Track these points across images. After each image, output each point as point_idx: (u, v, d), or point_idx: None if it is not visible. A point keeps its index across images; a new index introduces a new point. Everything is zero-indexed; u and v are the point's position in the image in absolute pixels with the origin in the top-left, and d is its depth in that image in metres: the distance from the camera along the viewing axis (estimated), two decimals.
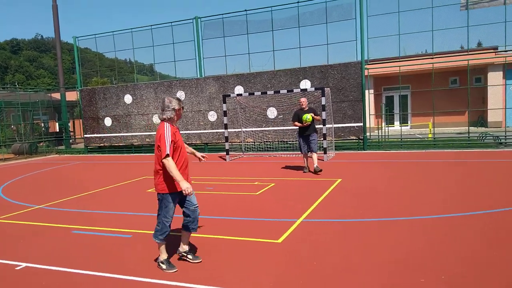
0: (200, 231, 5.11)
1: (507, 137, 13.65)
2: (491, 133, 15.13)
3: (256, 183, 8.82)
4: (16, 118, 23.96)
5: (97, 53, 20.62)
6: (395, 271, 3.78)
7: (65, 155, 19.35)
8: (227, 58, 16.11)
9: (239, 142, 15.52)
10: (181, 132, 16.38)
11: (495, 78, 20.92)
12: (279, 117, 14.92)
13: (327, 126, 12.08)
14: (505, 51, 13.81)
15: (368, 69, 14.17)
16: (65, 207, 7.41)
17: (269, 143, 15.26)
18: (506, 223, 5.04)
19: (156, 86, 17.01)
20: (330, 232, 5.10)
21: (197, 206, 4.23)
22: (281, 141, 15.13)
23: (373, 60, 14.90)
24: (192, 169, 4.29)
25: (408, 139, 15.85)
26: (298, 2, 14.65)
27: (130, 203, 7.58)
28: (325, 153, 11.96)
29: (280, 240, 4.86)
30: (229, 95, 13.67)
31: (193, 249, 4.53)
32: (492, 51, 20.19)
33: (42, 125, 25.74)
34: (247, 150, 15.34)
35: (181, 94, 16.44)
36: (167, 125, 3.98)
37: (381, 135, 16.14)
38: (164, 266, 4.10)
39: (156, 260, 4.26)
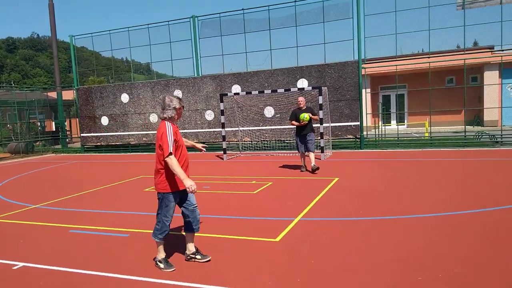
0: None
1: (503, 136, 13.72)
2: (487, 132, 15.21)
3: (253, 182, 8.83)
4: (12, 117, 23.86)
5: (94, 52, 20.54)
6: (393, 270, 3.80)
7: (62, 154, 19.28)
8: (224, 57, 16.12)
9: (236, 141, 15.52)
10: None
11: (491, 78, 21.02)
12: (276, 116, 14.93)
13: (324, 125, 12.10)
14: (501, 50, 13.86)
15: (365, 68, 14.20)
16: (62, 207, 7.39)
17: (266, 142, 15.28)
18: (505, 222, 5.07)
19: (153, 85, 16.98)
20: (328, 231, 5.11)
21: (196, 206, 4.23)
22: (278, 140, 15.15)
23: (370, 59, 14.93)
24: (189, 168, 4.28)
25: (405, 138, 15.91)
26: (295, 1, 14.65)
27: (127, 202, 7.57)
28: (322, 152, 11.99)
29: (278, 239, 4.87)
30: (226, 94, 13.67)
31: (199, 249, 4.47)
32: (488, 50, 20.28)
33: (39, 124, 25.63)
34: (244, 149, 15.34)
35: (178, 93, 16.41)
36: (168, 124, 3.98)
37: (378, 134, 16.18)
38: (161, 265, 4.10)
39: (154, 259, 4.26)
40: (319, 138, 11.83)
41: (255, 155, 14.05)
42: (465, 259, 3.96)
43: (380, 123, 18.94)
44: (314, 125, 9.79)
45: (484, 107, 20.57)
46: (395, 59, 14.56)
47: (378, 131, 16.47)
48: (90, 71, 28.03)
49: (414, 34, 14.14)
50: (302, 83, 14.51)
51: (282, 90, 13.04)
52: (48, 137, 22.69)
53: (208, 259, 4.24)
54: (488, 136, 14.44)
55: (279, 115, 14.88)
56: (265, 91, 13.06)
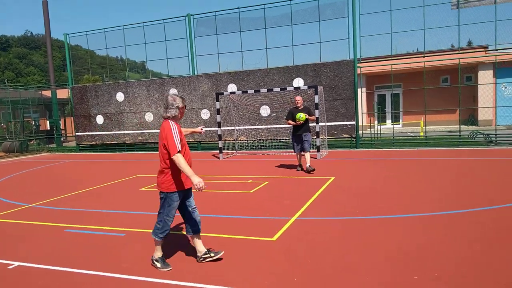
0: None
1: (497, 135, 13.82)
2: (481, 132, 15.31)
3: (249, 181, 8.83)
4: (6, 116, 23.68)
5: (88, 50, 20.44)
6: (389, 269, 3.81)
7: (56, 153, 19.17)
8: (220, 56, 16.09)
9: (232, 140, 15.51)
10: None
11: (485, 77, 21.16)
12: (272, 115, 14.94)
13: (320, 124, 12.12)
14: (496, 50, 13.95)
15: (360, 67, 14.24)
16: (57, 206, 7.35)
17: (262, 141, 15.27)
18: (501, 221, 5.11)
19: (148, 84, 16.92)
20: (324, 230, 5.13)
21: (196, 208, 4.23)
22: (274, 139, 15.15)
23: (365, 58, 14.97)
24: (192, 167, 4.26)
25: (400, 137, 15.98)
26: (291, 0, 14.65)
27: (122, 201, 7.54)
28: (318, 151, 12.01)
29: (274, 238, 4.87)
30: (222, 93, 13.64)
31: (211, 248, 4.39)
32: (482, 50, 20.41)
33: (33, 123, 25.46)
34: (240, 148, 15.33)
35: (173, 92, 16.36)
36: (172, 123, 3.97)
37: (374, 133, 16.23)
38: (158, 265, 4.09)
39: (151, 259, 4.23)
40: (315, 137, 11.85)
41: (251, 154, 14.05)
42: (461, 258, 3.98)
43: (375, 122, 19.02)
44: (310, 124, 9.79)
45: (479, 106, 20.70)
46: (390, 58, 14.61)
47: (374, 130, 16.52)
48: (84, 70, 27.88)
49: (409, 33, 14.22)
50: (298, 82, 14.52)
51: (278, 89, 13.05)
52: (43, 136, 22.54)
53: (222, 253, 4.21)
54: (482, 136, 14.54)
55: (275, 114, 14.88)
56: (261, 90, 13.05)
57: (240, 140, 15.46)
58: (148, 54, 17.41)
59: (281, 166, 10.84)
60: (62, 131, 24.61)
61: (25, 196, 8.52)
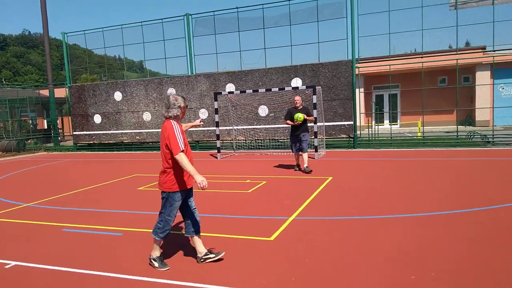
0: None
1: (494, 136, 13.86)
2: (478, 132, 15.35)
3: (247, 181, 8.82)
4: (4, 115, 23.58)
5: (86, 50, 20.38)
6: (386, 269, 3.82)
7: (54, 152, 19.12)
8: (218, 56, 16.08)
9: (230, 140, 15.50)
10: None
11: (483, 78, 21.22)
12: (270, 115, 14.94)
13: (318, 124, 12.13)
14: (493, 50, 13.99)
15: (358, 67, 14.25)
16: (54, 205, 7.33)
17: (260, 141, 15.27)
18: (503, 221, 5.12)
19: (146, 83, 16.89)
20: (322, 230, 5.13)
21: (195, 209, 4.23)
22: (272, 139, 15.15)
23: (363, 58, 14.99)
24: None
25: (398, 138, 16.00)
26: (289, 0, 14.66)
27: (120, 201, 7.52)
28: (316, 151, 12.02)
29: (272, 238, 4.87)
30: (221, 93, 13.64)
31: (211, 249, 4.39)
32: (480, 50, 20.47)
33: (30, 122, 25.39)
34: (238, 148, 15.33)
35: (171, 92, 16.35)
36: (174, 123, 3.97)
37: (371, 134, 16.26)
38: (156, 264, 4.09)
39: (149, 257, 4.21)
40: (313, 137, 11.85)
41: (249, 154, 14.05)
42: (461, 258, 3.99)
43: (373, 122, 19.04)
44: (308, 125, 9.78)
45: (476, 107, 20.75)
46: (388, 59, 14.64)
47: (371, 130, 16.55)
48: (82, 69, 27.83)
49: (407, 34, 14.23)
50: (296, 82, 14.53)
51: (276, 89, 13.05)
52: (40, 135, 22.48)
53: (222, 254, 4.20)
54: (479, 136, 14.58)
55: (273, 114, 14.88)
56: (259, 90, 13.06)
57: (238, 140, 15.45)
58: (146, 54, 17.39)
59: (279, 166, 10.84)
60: (60, 130, 24.54)
61: (22, 195, 8.50)
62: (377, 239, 4.63)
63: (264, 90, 13.05)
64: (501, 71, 20.40)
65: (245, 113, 15.20)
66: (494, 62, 15.59)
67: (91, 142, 18.32)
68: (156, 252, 4.14)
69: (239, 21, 15.48)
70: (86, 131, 18.26)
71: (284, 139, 14.78)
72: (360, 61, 14.44)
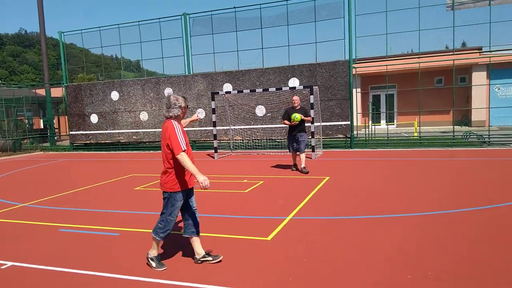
0: None
1: (490, 136, 13.92)
2: (474, 132, 15.42)
3: (244, 181, 8.83)
4: (0, 114, 23.48)
5: (83, 49, 20.33)
6: (383, 268, 3.83)
7: (50, 152, 19.05)
8: (216, 55, 16.08)
9: (227, 140, 15.50)
10: None
11: (479, 78, 21.32)
12: (268, 115, 14.95)
13: (315, 124, 12.15)
14: (489, 51, 14.06)
15: (355, 68, 14.29)
16: (51, 205, 7.31)
17: (257, 141, 15.28)
18: (503, 220, 5.15)
19: (143, 83, 16.86)
20: (320, 230, 5.14)
21: (196, 209, 4.23)
22: (269, 139, 15.16)
23: (360, 59, 15.02)
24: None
25: (394, 138, 16.05)
26: (287, 0, 14.67)
27: (117, 201, 7.51)
28: (313, 151, 12.03)
29: (269, 238, 4.88)
30: (218, 93, 13.63)
31: (209, 251, 4.36)
32: (476, 51, 20.57)
33: (26, 122, 25.28)
34: (236, 148, 15.33)
35: (169, 91, 16.33)
36: (175, 123, 3.97)
37: (368, 134, 16.30)
38: (153, 264, 4.08)
39: (147, 256, 4.19)
40: (310, 137, 11.87)
41: (246, 154, 14.05)
42: (459, 258, 4.01)
43: (369, 122, 19.09)
44: (305, 124, 9.77)
45: (472, 107, 20.85)
46: (385, 59, 14.68)
47: (368, 130, 16.58)
48: (79, 68, 27.75)
49: (404, 34, 14.29)
50: (294, 82, 14.55)
51: (274, 89, 13.06)
52: (36, 135, 22.39)
53: (220, 258, 4.18)
54: (476, 136, 14.65)
55: (270, 114, 14.89)
56: (257, 90, 13.06)
57: (235, 139, 15.46)
58: (143, 53, 17.37)
59: (276, 166, 10.85)
60: (56, 130, 24.46)
61: (18, 195, 8.46)
62: (375, 239, 4.65)
63: (261, 90, 13.06)
64: (497, 71, 20.53)
65: (243, 113, 15.20)
66: (490, 62, 15.67)
67: (88, 142, 18.26)
68: (154, 252, 4.14)
69: (236, 21, 15.48)
70: (82, 130, 18.20)
71: (281, 139, 14.79)
72: (357, 61, 14.47)
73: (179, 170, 3.97)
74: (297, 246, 4.57)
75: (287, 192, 7.52)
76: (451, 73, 15.22)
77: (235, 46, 15.64)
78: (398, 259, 4.02)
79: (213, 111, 13.40)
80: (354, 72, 14.24)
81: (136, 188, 8.58)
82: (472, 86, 20.79)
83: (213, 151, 13.47)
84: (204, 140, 16.19)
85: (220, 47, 16.00)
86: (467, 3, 13.56)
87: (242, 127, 15.25)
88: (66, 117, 19.78)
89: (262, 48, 15.35)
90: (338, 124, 14.22)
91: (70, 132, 18.57)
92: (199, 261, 4.17)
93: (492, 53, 14.21)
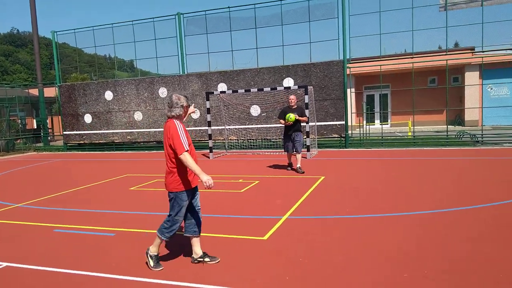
0: None
1: (483, 135, 14.05)
2: (468, 132, 15.55)
3: (240, 180, 8.83)
4: None
5: (76, 49, 20.20)
6: (380, 268, 3.85)
7: (44, 152, 18.91)
8: (210, 55, 16.06)
9: (222, 139, 15.48)
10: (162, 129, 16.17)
11: (471, 78, 21.51)
12: (263, 115, 14.96)
13: (310, 124, 12.18)
14: (482, 51, 14.19)
15: (350, 67, 14.34)
16: (45, 206, 7.26)
17: (252, 140, 15.28)
18: (503, 219, 5.20)
19: (137, 83, 16.79)
20: (316, 229, 5.16)
21: (200, 208, 4.23)
22: (264, 139, 15.17)
23: (354, 59, 15.09)
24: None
25: (389, 137, 16.14)
26: (281, 0, 14.69)
27: (112, 201, 7.48)
28: (308, 151, 12.06)
29: (265, 237, 4.89)
30: (212, 92, 13.62)
31: (207, 251, 4.34)
32: (469, 51, 20.74)
33: (19, 122, 25.07)
34: (231, 148, 15.32)
35: (163, 91, 16.29)
36: (177, 123, 3.96)
37: (362, 133, 16.37)
38: (151, 262, 4.06)
39: (146, 252, 4.14)
40: (305, 137, 11.89)
41: (241, 154, 14.05)
42: (452, 255, 4.04)
43: (364, 122, 19.18)
44: (301, 124, 9.77)
45: (465, 107, 21.02)
46: (379, 59, 14.76)
47: (363, 130, 16.66)
48: (72, 68, 27.55)
49: (397, 34, 14.38)
50: (288, 82, 14.57)
51: (269, 89, 13.07)
52: (29, 135, 22.21)
53: (217, 260, 4.17)
54: (469, 136, 14.78)
55: (265, 113, 14.90)
56: (251, 90, 13.07)
57: (230, 139, 15.45)
58: (137, 53, 17.32)
59: (272, 165, 10.86)
60: (50, 130, 24.28)
61: (12, 196, 8.40)
62: (374, 238, 4.67)
63: (256, 89, 13.06)
64: (490, 71, 20.72)
65: (237, 112, 15.20)
66: (483, 62, 15.82)
67: (82, 142, 18.15)
68: (155, 250, 4.10)
69: (230, 21, 15.48)
70: (76, 130, 18.09)
71: (276, 139, 14.81)
72: (351, 61, 14.53)
73: (183, 169, 3.96)
74: (294, 245, 4.59)
75: (282, 191, 7.53)
76: (444, 73, 15.35)
77: (229, 46, 15.66)
78: (398, 258, 4.04)
79: (208, 111, 13.38)
80: (348, 72, 14.30)
81: (131, 188, 8.55)
82: (465, 86, 20.96)
83: (208, 151, 13.45)
84: (199, 140, 16.16)
85: (215, 47, 16.02)
86: (460, 3, 13.67)
87: (237, 127, 15.25)
88: (59, 117, 19.64)
89: (256, 48, 15.37)
90: (332, 124, 14.26)
91: (64, 132, 18.44)
92: (196, 261, 4.16)
93: (485, 53, 14.35)
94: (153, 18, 16.49)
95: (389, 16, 13.94)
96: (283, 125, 9.74)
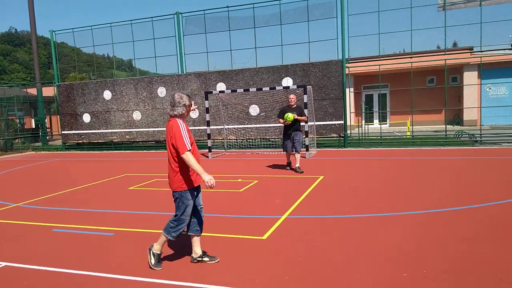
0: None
1: (482, 135, 14.08)
2: (466, 132, 15.58)
3: (239, 180, 8.83)
4: None
5: (75, 48, 20.15)
6: (379, 267, 3.86)
7: (42, 152, 18.88)
8: (209, 55, 16.05)
9: (221, 139, 15.48)
10: (160, 128, 16.04)
11: (470, 78, 21.53)
12: (261, 114, 14.95)
13: (309, 123, 12.18)
14: (481, 51, 14.21)
15: (348, 67, 14.35)
16: (44, 205, 7.25)
17: (251, 140, 15.28)
18: (503, 218, 5.21)
19: (136, 82, 16.77)
20: (315, 229, 5.16)
21: (202, 207, 4.23)
22: (263, 139, 15.18)
23: (353, 58, 15.09)
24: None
25: (387, 137, 16.16)
26: (280, 0, 14.69)
27: (111, 201, 7.47)
28: (307, 150, 12.07)
29: (265, 237, 4.89)
30: (211, 92, 13.62)
31: (206, 251, 4.33)
32: (467, 51, 20.77)
33: (18, 121, 25.03)
34: (230, 148, 15.32)
35: (162, 91, 16.28)
36: (180, 122, 3.95)
37: (361, 133, 16.38)
38: (152, 260, 4.06)
39: (149, 248, 4.13)
40: (304, 136, 11.90)
41: (240, 153, 14.05)
42: (450, 255, 4.05)
43: (363, 122, 19.19)
44: (300, 124, 9.76)
45: (464, 107, 21.05)
46: (378, 59, 14.77)
47: (361, 130, 16.67)
48: (71, 67, 27.51)
49: (396, 34, 14.40)
50: (287, 81, 14.57)
51: (267, 89, 13.07)
52: (28, 134, 22.17)
53: (216, 260, 4.17)
54: (467, 136, 14.80)
55: (264, 113, 14.90)
56: (250, 89, 13.07)
57: (229, 139, 15.45)
58: (136, 52, 17.28)
59: (271, 165, 10.87)
60: (48, 130, 24.23)
61: (11, 195, 8.38)
62: (373, 238, 4.67)
63: (255, 89, 13.07)
64: (488, 71, 20.74)
65: (236, 112, 15.20)
66: (482, 62, 15.84)
67: (80, 141, 18.13)
68: (158, 247, 4.09)
69: (229, 20, 15.47)
70: (75, 130, 18.06)
71: (275, 138, 14.82)
72: (350, 61, 14.54)
73: (185, 169, 3.95)
74: (293, 245, 4.59)
75: (281, 191, 7.53)
76: (443, 72, 15.36)
77: (228, 46, 15.64)
78: (398, 258, 4.05)
79: (207, 110, 13.38)
80: (347, 72, 14.31)
81: (130, 188, 8.54)
82: (464, 86, 20.99)
83: (207, 150, 13.45)
84: (198, 140, 16.14)
85: (213, 47, 16.01)
86: (458, 3, 13.69)
87: (236, 126, 15.25)
88: (58, 116, 19.60)
89: (255, 48, 15.36)
90: (331, 124, 14.27)
91: (62, 132, 18.42)
92: (195, 261, 4.16)
93: (483, 53, 14.36)
94: (152, 17, 16.48)
95: (388, 16, 13.96)
96: (282, 125, 9.75)
